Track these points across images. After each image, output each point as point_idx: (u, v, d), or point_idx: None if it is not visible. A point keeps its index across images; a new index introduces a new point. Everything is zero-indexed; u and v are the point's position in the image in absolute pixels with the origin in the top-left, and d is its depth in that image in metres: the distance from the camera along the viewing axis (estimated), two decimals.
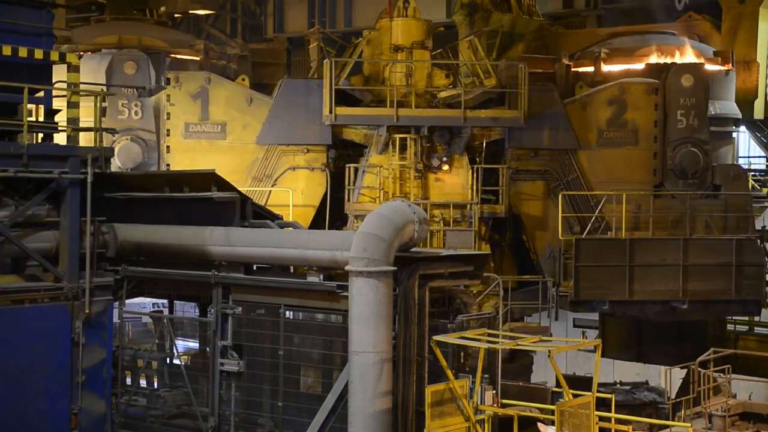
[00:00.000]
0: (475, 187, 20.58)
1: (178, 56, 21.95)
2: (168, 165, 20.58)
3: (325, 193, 20.91)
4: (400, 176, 20.58)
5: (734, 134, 25.12)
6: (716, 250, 20.82)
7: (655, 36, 24.24)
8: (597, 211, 20.72)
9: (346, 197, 20.78)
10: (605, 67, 22.75)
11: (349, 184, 20.71)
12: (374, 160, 20.83)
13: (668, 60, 22.67)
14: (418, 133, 20.55)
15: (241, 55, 23.13)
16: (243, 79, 21.47)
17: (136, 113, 20.72)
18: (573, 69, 22.71)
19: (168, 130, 20.77)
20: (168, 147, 20.77)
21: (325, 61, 20.64)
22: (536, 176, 21.43)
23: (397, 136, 20.46)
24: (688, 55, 22.95)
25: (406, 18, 21.36)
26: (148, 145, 20.66)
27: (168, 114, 20.79)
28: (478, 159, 21.11)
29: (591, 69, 22.83)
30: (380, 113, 20.50)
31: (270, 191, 20.77)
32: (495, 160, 21.15)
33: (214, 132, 20.86)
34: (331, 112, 20.23)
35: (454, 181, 20.92)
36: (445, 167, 20.75)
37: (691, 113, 21.48)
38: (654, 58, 22.89)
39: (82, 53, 21.20)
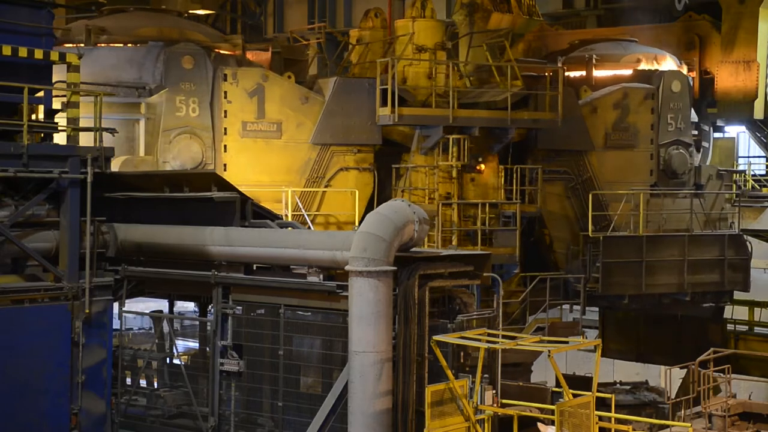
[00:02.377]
0: (514, 188, 21.11)
1: (221, 51, 21.02)
2: (225, 165, 19.90)
3: (372, 194, 20.74)
4: (447, 176, 20.70)
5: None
6: (711, 245, 22.31)
7: (622, 44, 25.58)
8: (619, 210, 21.73)
9: (393, 197, 20.73)
10: (595, 72, 23.56)
11: (394, 185, 20.75)
12: (418, 160, 20.86)
13: (651, 67, 24.07)
14: (469, 134, 20.68)
15: (274, 51, 22.37)
16: (289, 77, 20.78)
17: (193, 110, 19.74)
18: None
19: (225, 129, 19.99)
20: (225, 146, 19.97)
21: (387, 60, 20.35)
22: (556, 176, 22.08)
23: (451, 137, 20.49)
24: (666, 62, 24.33)
25: (429, 19, 21.34)
26: (205, 143, 19.84)
27: (225, 112, 20.02)
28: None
29: (582, 73, 23.28)
30: (438, 113, 20.40)
31: (324, 192, 20.42)
32: (515, 160, 21.66)
33: (270, 131, 20.17)
34: (393, 111, 20.00)
35: (487, 181, 21.28)
36: (482, 167, 21.04)
37: (679, 117, 23.00)
38: (641, 65, 24.07)
39: (122, 45, 20.45)
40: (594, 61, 23.89)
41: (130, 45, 20.38)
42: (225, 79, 19.94)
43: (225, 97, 19.95)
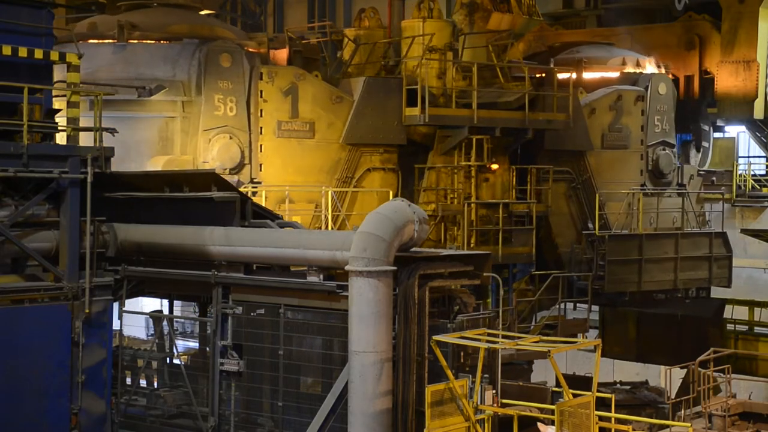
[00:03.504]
0: (529, 188, 21.52)
1: (249, 49, 20.40)
2: (261, 165, 19.52)
3: (396, 194, 20.52)
4: (465, 176, 20.78)
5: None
6: (700, 243, 23.33)
7: (603, 47, 26.44)
8: (621, 209, 22.62)
9: (417, 198, 20.70)
10: (584, 74, 24.18)
11: (417, 185, 20.80)
12: (438, 160, 20.92)
13: (635, 69, 24.89)
14: (491, 134, 20.89)
15: (295, 50, 22.01)
16: (316, 75, 20.39)
17: (231, 109, 19.27)
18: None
19: (261, 128, 19.51)
20: (261, 146, 19.52)
21: (423, 60, 20.42)
22: (559, 176, 22.44)
23: (474, 138, 20.58)
24: (648, 65, 25.18)
25: (438, 20, 21.33)
26: (242, 143, 19.33)
27: (261, 111, 19.49)
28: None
29: (570, 75, 23.61)
30: (464, 114, 20.43)
31: (353, 192, 20.18)
32: (521, 161, 22.05)
33: (303, 131, 19.85)
34: (423, 111, 19.96)
35: (499, 180, 21.49)
36: (495, 167, 21.23)
37: (664, 119, 23.78)
38: (627, 68, 24.87)
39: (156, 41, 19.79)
40: (584, 63, 24.59)
41: (164, 42, 19.75)
42: (261, 78, 19.56)
43: (261, 96, 19.57)
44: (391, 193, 20.26)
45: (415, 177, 21.01)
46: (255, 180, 19.33)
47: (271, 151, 19.69)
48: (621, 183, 23.05)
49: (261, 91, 19.61)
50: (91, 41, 19.63)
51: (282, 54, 21.07)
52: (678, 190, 24.02)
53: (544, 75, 22.24)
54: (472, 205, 20.75)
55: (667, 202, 23.58)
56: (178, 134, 19.29)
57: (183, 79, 19.43)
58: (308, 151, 19.98)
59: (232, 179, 18.73)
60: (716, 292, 24.76)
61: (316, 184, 19.72)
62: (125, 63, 19.34)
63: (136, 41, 19.71)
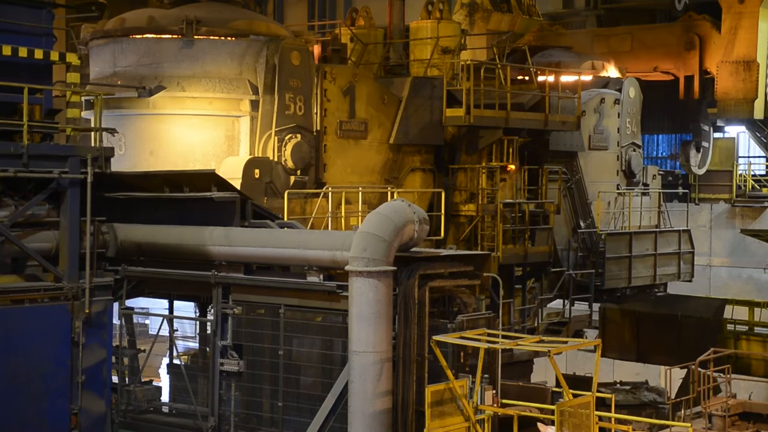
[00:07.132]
0: (543, 189, 21.92)
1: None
2: (324, 165, 19.18)
3: (432, 195, 20.47)
4: (488, 177, 20.80)
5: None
6: (671, 240, 24.42)
7: (566, 51, 26.63)
8: (615, 207, 23.63)
9: (452, 198, 20.64)
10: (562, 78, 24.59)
11: (451, 185, 20.80)
12: (465, 160, 20.94)
13: (603, 73, 25.48)
14: (519, 135, 21.13)
15: (334, 49, 21.61)
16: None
17: (299, 108, 18.82)
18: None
19: (325, 128, 19.20)
20: (325, 146, 19.21)
21: (454, 61, 20.47)
22: (556, 176, 22.74)
23: (506, 138, 20.74)
24: (611, 69, 25.86)
25: (450, 21, 21.28)
26: (310, 143, 18.95)
27: (325, 110, 19.21)
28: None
29: (551, 78, 23.81)
30: (500, 115, 20.48)
31: (395, 193, 19.70)
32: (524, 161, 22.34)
33: (359, 131, 19.66)
34: (468, 113, 19.92)
35: (512, 181, 21.64)
36: (512, 167, 21.40)
37: (633, 121, 24.53)
38: (597, 72, 25.43)
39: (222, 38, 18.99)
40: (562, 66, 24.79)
41: (230, 38, 18.96)
42: (325, 77, 19.25)
43: (325, 96, 19.25)
44: (443, 193, 20.22)
45: (449, 177, 20.90)
46: (320, 181, 19.12)
47: (333, 152, 19.38)
48: (602, 183, 23.68)
49: (325, 90, 19.26)
50: (148, 35, 19.00)
51: (314, 52, 20.85)
52: (660, 189, 25.16)
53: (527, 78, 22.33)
54: (499, 205, 20.84)
55: (635, 201, 24.37)
56: (246, 134, 18.83)
57: (250, 76, 18.90)
58: (363, 152, 19.81)
59: (302, 180, 18.67)
60: (673, 288, 25.59)
61: (368, 184, 19.62)
62: (191, 59, 18.78)
63: (202, 37, 18.94)
